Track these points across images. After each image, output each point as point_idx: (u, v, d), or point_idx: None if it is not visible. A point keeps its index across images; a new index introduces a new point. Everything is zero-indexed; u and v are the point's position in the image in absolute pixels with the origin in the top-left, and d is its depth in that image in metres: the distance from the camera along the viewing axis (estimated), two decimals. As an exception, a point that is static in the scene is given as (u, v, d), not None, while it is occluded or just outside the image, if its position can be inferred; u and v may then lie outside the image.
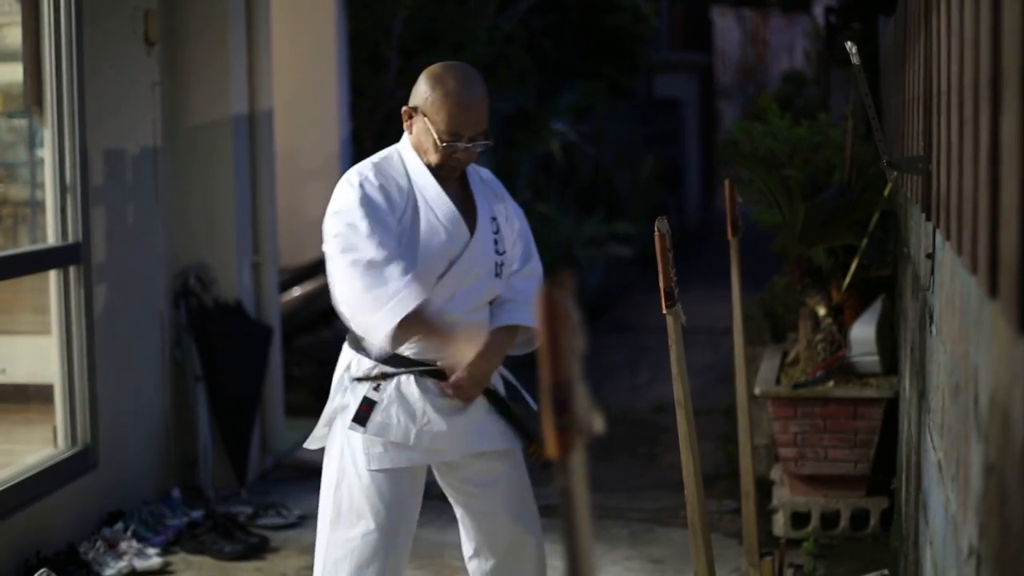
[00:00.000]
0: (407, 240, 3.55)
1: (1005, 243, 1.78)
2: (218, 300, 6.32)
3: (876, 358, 5.56)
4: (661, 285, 3.47)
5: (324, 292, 7.75)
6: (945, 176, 2.76)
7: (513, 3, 10.92)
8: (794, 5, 20.29)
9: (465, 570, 3.87)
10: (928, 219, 3.40)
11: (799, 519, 5.58)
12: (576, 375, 1.44)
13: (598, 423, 1.47)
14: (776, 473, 5.87)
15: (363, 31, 8.88)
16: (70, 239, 5.39)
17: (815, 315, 5.83)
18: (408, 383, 3.62)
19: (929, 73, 3.39)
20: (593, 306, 10.99)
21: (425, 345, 3.60)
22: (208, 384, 6.21)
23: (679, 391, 3.52)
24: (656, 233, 3.42)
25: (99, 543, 5.29)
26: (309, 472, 6.51)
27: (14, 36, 5.37)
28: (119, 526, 5.44)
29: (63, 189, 5.36)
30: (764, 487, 5.72)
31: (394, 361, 3.61)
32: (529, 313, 3.67)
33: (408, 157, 3.64)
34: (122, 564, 5.23)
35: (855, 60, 4.82)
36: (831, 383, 5.54)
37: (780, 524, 5.57)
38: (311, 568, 5.28)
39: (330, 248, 3.54)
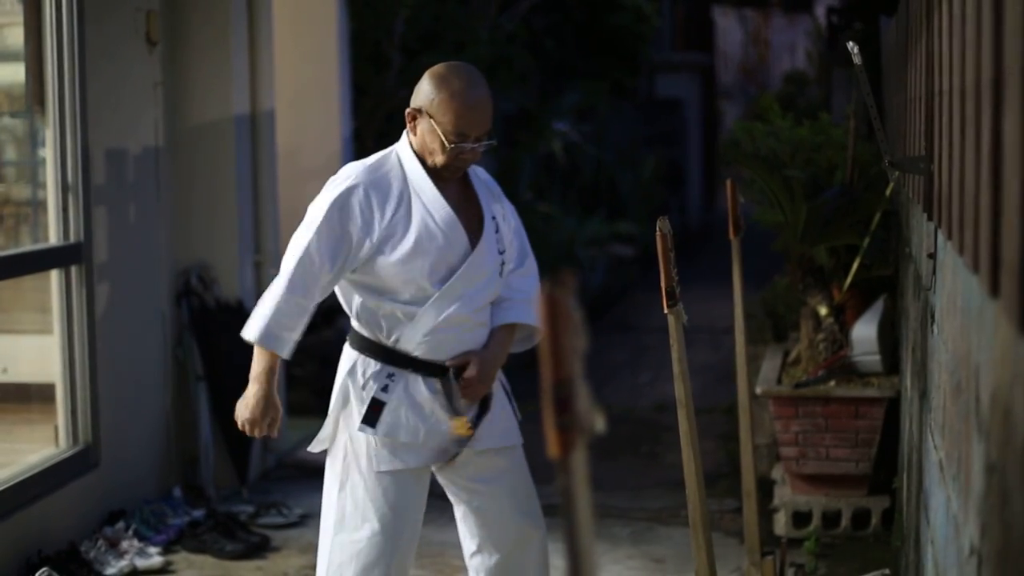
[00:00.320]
0: (394, 242, 3.56)
1: (1007, 243, 1.78)
2: (219, 299, 6.33)
3: (878, 357, 5.56)
4: (663, 284, 3.47)
5: (326, 291, 7.80)
6: (947, 176, 2.76)
7: (515, 3, 10.92)
8: (796, 5, 20.30)
9: (466, 569, 3.87)
10: (930, 219, 3.41)
11: (800, 518, 5.58)
12: (578, 374, 1.44)
13: (599, 422, 1.47)
14: (777, 472, 5.87)
15: (365, 30, 8.88)
16: (72, 239, 5.39)
17: (817, 314, 5.83)
18: (416, 383, 3.62)
19: (931, 73, 3.39)
20: (595, 305, 11.00)
21: (435, 346, 3.61)
22: (209, 383, 6.21)
23: (680, 390, 3.52)
24: (658, 233, 3.42)
25: (100, 542, 5.29)
26: (310, 471, 6.51)
27: (16, 36, 5.38)
28: (120, 525, 5.44)
29: (65, 188, 5.36)
30: (765, 486, 5.72)
31: (401, 361, 3.62)
32: (527, 310, 3.69)
33: (406, 159, 3.64)
34: (123, 563, 5.23)
35: (857, 60, 4.82)
36: (832, 382, 5.54)
37: (781, 523, 5.57)
38: (312, 567, 5.30)
39: (294, 235, 3.64)
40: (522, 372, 4.95)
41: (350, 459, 3.61)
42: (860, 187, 5.75)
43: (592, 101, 12.65)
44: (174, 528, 5.63)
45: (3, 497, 4.94)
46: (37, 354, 5.69)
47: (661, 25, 15.20)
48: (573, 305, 1.44)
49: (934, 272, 3.32)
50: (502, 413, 3.76)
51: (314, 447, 3.75)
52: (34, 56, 5.30)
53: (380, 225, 3.56)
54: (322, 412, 3.76)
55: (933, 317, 3.32)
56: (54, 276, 5.38)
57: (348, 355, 3.69)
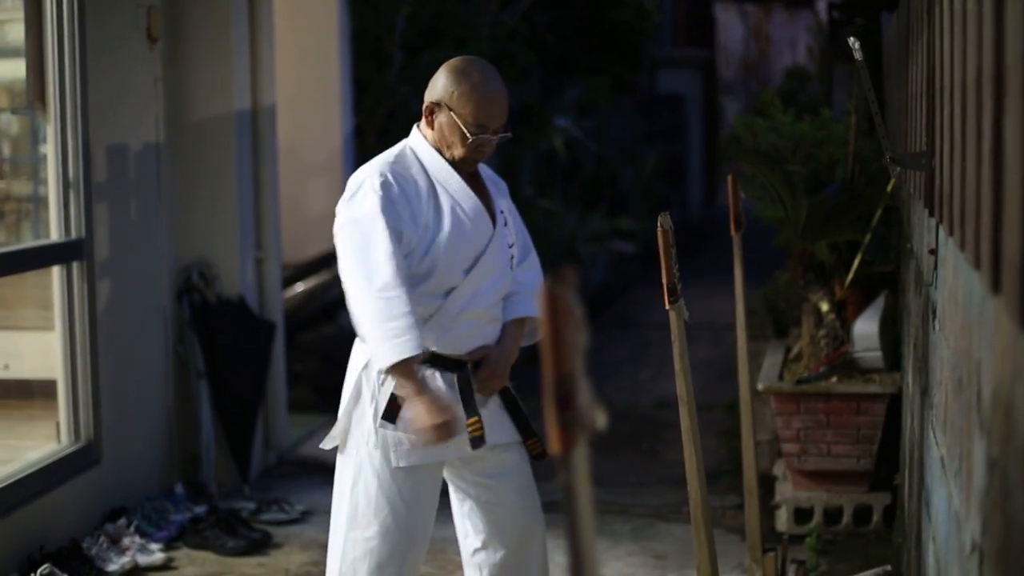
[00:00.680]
0: (429, 240, 3.56)
1: (1008, 239, 1.78)
2: (221, 296, 6.33)
3: (879, 354, 5.55)
4: (664, 281, 3.47)
5: (327, 288, 7.81)
6: (948, 172, 2.76)
7: (516, -2, 10.92)
8: (797, 1, 20.29)
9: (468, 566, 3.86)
10: (931, 215, 3.40)
11: (802, 515, 5.58)
12: (579, 371, 1.44)
13: (601, 419, 1.47)
14: (779, 469, 5.88)
15: (366, 27, 8.87)
16: (73, 235, 5.39)
17: (818, 311, 5.83)
18: (433, 378, 3.61)
19: (932, 69, 3.39)
20: (596, 302, 11.00)
21: (453, 340, 3.61)
22: (211, 380, 6.21)
23: (682, 387, 3.52)
24: (659, 229, 3.42)
25: (102, 538, 5.30)
26: (312, 468, 6.52)
27: (17, 32, 5.38)
28: (122, 521, 5.44)
29: (66, 185, 5.36)
30: (767, 483, 5.72)
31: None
32: (534, 304, 3.70)
33: (424, 153, 3.64)
34: (125, 559, 5.24)
35: (858, 56, 4.82)
36: (834, 379, 5.54)
37: (783, 520, 5.57)
38: (314, 564, 5.30)
39: (345, 256, 3.51)
40: (524, 368, 4.94)
41: (363, 456, 3.60)
42: (861, 183, 5.75)
43: (593, 97, 12.64)
44: (176, 525, 5.63)
45: (5, 493, 4.94)
46: (38, 350, 5.69)
47: (662, 21, 15.19)
48: (574, 301, 1.44)
49: (935, 268, 3.32)
50: (508, 408, 3.76)
51: (326, 444, 3.74)
52: (35, 52, 5.30)
53: (420, 217, 3.56)
54: (324, 409, 3.77)
55: (934, 313, 3.32)
56: (55, 272, 5.38)
57: (362, 351, 3.65)
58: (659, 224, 3.43)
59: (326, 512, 3.94)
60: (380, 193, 3.51)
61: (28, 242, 5.57)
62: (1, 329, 5.87)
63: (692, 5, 18.91)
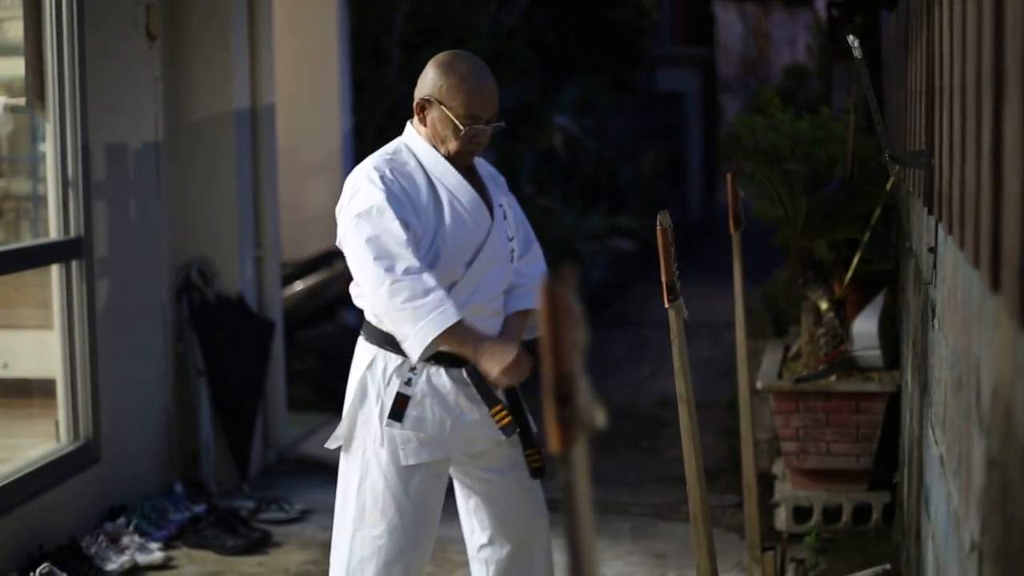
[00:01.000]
0: (432, 234, 3.56)
1: (1007, 237, 1.78)
2: (220, 294, 6.32)
3: (878, 352, 5.56)
4: (663, 279, 3.47)
5: (326, 286, 7.80)
6: (947, 170, 2.76)
7: (515, -3, 10.92)
8: (796, -1, 20.27)
9: (467, 564, 3.87)
10: (930, 213, 3.40)
11: (801, 513, 5.58)
12: (578, 369, 1.44)
13: (600, 417, 1.47)
14: (778, 467, 5.88)
15: (365, 26, 8.87)
16: (72, 234, 5.39)
17: (817, 309, 5.83)
18: (439, 375, 3.60)
19: (931, 67, 3.39)
20: (595, 300, 10.99)
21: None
22: (210, 378, 6.21)
23: (681, 385, 3.52)
24: (658, 227, 3.42)
25: (101, 537, 5.30)
26: (311, 467, 6.52)
27: (16, 30, 5.37)
28: (121, 520, 5.44)
29: (65, 183, 5.36)
30: (766, 481, 5.72)
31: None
32: (536, 296, 3.68)
33: (419, 149, 3.64)
34: (124, 558, 5.24)
35: (857, 54, 4.82)
36: (833, 377, 5.54)
37: (782, 518, 5.57)
38: (313, 563, 5.30)
39: (358, 252, 3.49)
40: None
41: (370, 455, 3.59)
42: (860, 181, 5.75)
43: (592, 95, 12.64)
44: (175, 523, 5.63)
45: (4, 492, 4.94)
46: (37, 349, 5.69)
47: (661, 19, 15.19)
48: (573, 300, 1.44)
49: (935, 267, 3.32)
50: (514, 410, 3.75)
51: (331, 444, 3.72)
52: (34, 51, 5.30)
53: (420, 211, 3.56)
54: (323, 407, 3.76)
55: (934, 312, 3.32)
56: (54, 271, 5.38)
57: (366, 350, 3.64)
58: (658, 222, 3.43)
59: (326, 511, 3.94)
60: (382, 187, 3.51)
61: (27, 241, 5.56)
62: (0, 328, 5.87)
63: (691, 3, 18.91)
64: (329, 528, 3.82)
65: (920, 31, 3.90)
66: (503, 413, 3.59)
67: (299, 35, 8.09)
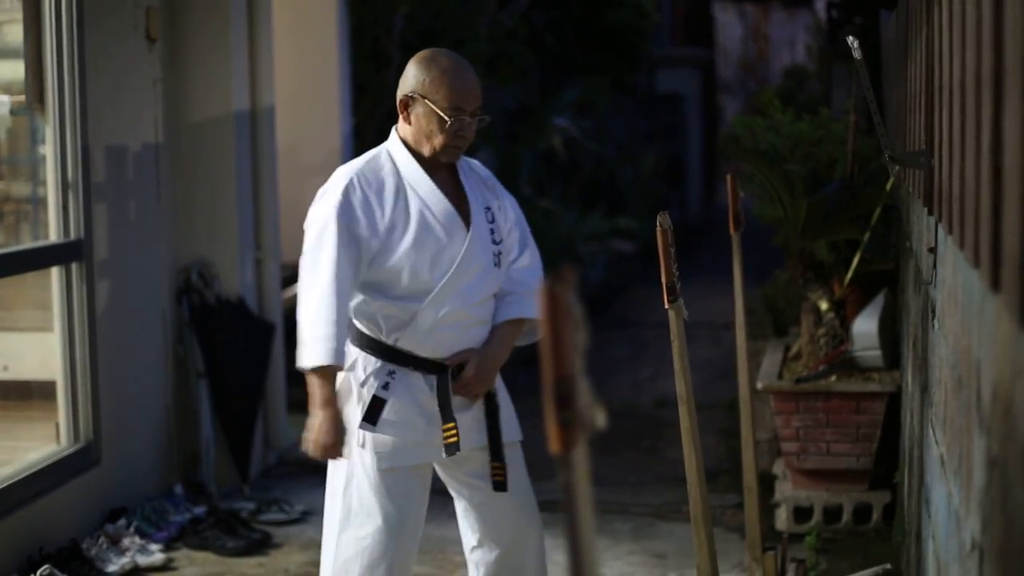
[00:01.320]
0: (396, 242, 3.56)
1: (1007, 237, 1.78)
2: (220, 296, 6.32)
3: (878, 352, 5.56)
4: (663, 280, 3.47)
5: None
6: (947, 170, 2.76)
7: (514, -2, 10.92)
8: (795, 0, 20.28)
9: (466, 565, 3.87)
10: (930, 213, 3.40)
11: (801, 513, 5.58)
12: (578, 370, 1.44)
13: (600, 418, 1.47)
14: (778, 467, 5.88)
15: (364, 27, 8.87)
16: (72, 236, 5.39)
17: (817, 309, 5.83)
18: (417, 380, 3.62)
19: (931, 67, 3.39)
20: (595, 301, 10.99)
21: (435, 344, 3.61)
22: (210, 380, 6.21)
23: (681, 386, 3.52)
24: (658, 228, 3.42)
25: (102, 539, 5.30)
26: (311, 468, 6.50)
27: (15, 33, 5.37)
28: (122, 522, 5.44)
29: (65, 186, 5.36)
30: (766, 482, 5.72)
31: (402, 359, 3.62)
32: (531, 304, 3.69)
33: (398, 155, 3.65)
34: (125, 560, 5.24)
35: (857, 55, 4.82)
36: (833, 377, 5.54)
37: (783, 519, 5.57)
38: (314, 564, 5.30)
39: (303, 255, 3.60)
40: (522, 368, 4.95)
41: (355, 457, 3.61)
42: (860, 182, 5.75)
43: (592, 96, 12.64)
44: (175, 525, 5.63)
45: (4, 495, 4.94)
46: (38, 351, 5.69)
47: (660, 20, 15.19)
48: (573, 301, 1.44)
49: (935, 267, 3.32)
50: (504, 409, 3.75)
51: None
52: (34, 53, 5.30)
53: (382, 221, 3.57)
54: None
55: (934, 312, 3.32)
56: (54, 273, 5.38)
57: (350, 352, 3.67)
58: (658, 223, 3.43)
59: (326, 512, 3.96)
60: (340, 198, 3.56)
61: (27, 243, 5.56)
62: (0, 330, 5.87)
63: (691, 5, 18.91)
64: (329, 530, 3.83)
65: (919, 31, 3.90)
66: (452, 432, 3.60)
67: (299, 36, 8.08)
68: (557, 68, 12.68)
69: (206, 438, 6.18)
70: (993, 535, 1.91)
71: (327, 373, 3.51)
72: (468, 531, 3.80)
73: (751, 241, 5.12)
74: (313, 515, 5.88)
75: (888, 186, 5.51)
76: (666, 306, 3.49)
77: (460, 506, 3.80)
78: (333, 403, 3.52)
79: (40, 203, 5.51)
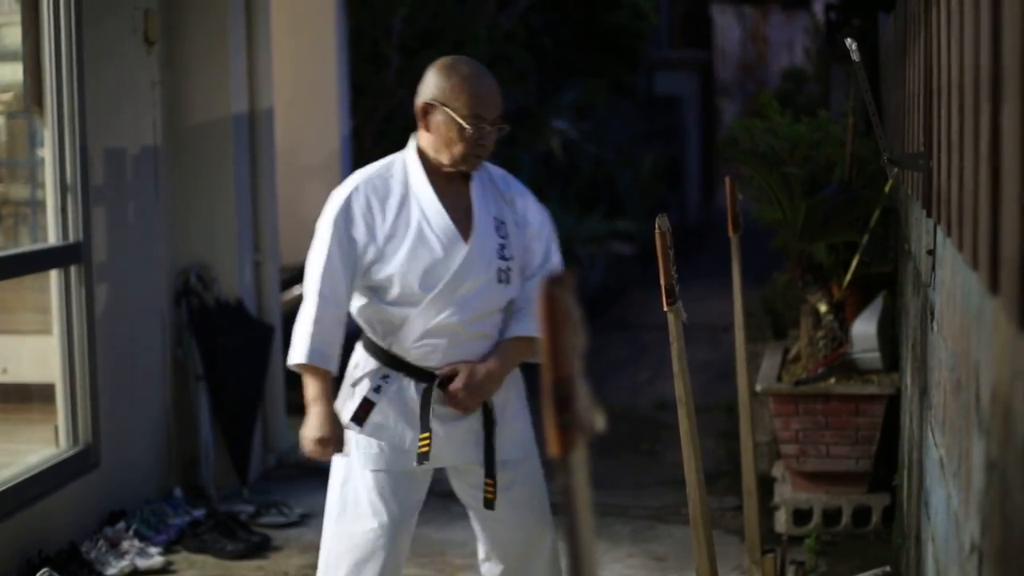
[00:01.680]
0: (392, 250, 3.56)
1: (1006, 239, 1.78)
2: (219, 299, 6.32)
3: (877, 355, 5.56)
4: (662, 282, 3.47)
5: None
6: (946, 172, 2.76)
7: (513, 1, 10.92)
8: (794, 2, 20.27)
9: (467, 568, 3.87)
10: (929, 215, 3.40)
11: (801, 516, 5.58)
12: (577, 373, 1.44)
13: (600, 421, 1.47)
14: (778, 470, 5.87)
15: (363, 29, 8.88)
16: (71, 238, 5.39)
17: (816, 312, 5.83)
18: (409, 387, 3.62)
19: (929, 69, 3.39)
20: (594, 304, 11.00)
21: (425, 352, 3.60)
22: (209, 383, 6.21)
23: (680, 388, 3.52)
24: (657, 230, 3.42)
25: (101, 542, 5.29)
26: (311, 471, 6.51)
27: (14, 35, 5.37)
28: (121, 525, 5.44)
29: (63, 188, 5.35)
30: (766, 484, 5.72)
31: (396, 364, 3.62)
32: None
33: (412, 165, 3.63)
34: (124, 563, 5.23)
35: (855, 57, 4.82)
36: (832, 380, 5.54)
37: (782, 521, 5.57)
38: (313, 567, 5.28)
39: (308, 261, 3.64)
40: (522, 370, 4.94)
41: (354, 453, 3.62)
42: (859, 184, 5.75)
43: (591, 99, 12.65)
44: (175, 528, 5.62)
45: (4, 497, 4.94)
46: (37, 354, 5.69)
47: (659, 22, 15.20)
48: (572, 303, 1.44)
49: (933, 269, 3.32)
50: (513, 424, 3.72)
51: None
52: (32, 56, 5.30)
53: (382, 229, 3.57)
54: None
55: (933, 314, 3.32)
56: (53, 276, 5.38)
57: (356, 353, 3.70)
58: (657, 226, 3.42)
59: (325, 515, 3.96)
60: (342, 205, 3.59)
61: (26, 246, 5.56)
62: (0, 333, 5.87)
63: (689, 7, 18.92)
64: (329, 532, 3.83)
65: (918, 33, 3.90)
66: (426, 441, 3.59)
67: (297, 39, 8.09)
68: (555, 70, 12.69)
69: (205, 441, 6.18)
70: (992, 537, 1.91)
71: (315, 371, 3.54)
72: (479, 542, 3.80)
73: (750, 243, 5.12)
74: (312, 518, 5.88)
75: (887, 188, 5.51)
76: (665, 308, 3.48)
77: (470, 514, 3.81)
78: (322, 400, 3.53)
79: (39, 206, 5.51)
